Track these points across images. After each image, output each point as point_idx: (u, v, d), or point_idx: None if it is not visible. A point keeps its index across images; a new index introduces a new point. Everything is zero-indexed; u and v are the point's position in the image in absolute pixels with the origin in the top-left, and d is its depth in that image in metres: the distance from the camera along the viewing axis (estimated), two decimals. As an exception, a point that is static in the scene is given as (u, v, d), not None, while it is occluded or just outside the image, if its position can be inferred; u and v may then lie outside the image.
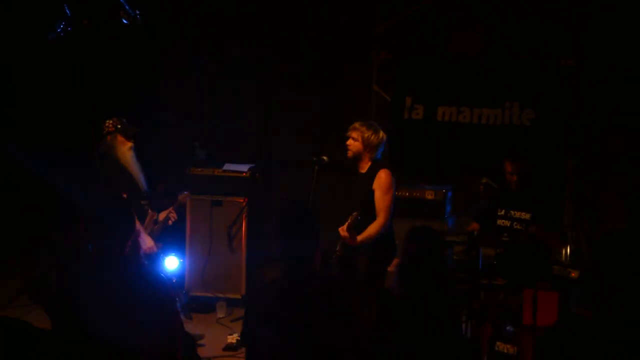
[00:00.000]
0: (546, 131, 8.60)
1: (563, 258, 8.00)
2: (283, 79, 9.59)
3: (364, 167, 6.43)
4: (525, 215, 6.30)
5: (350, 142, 6.38)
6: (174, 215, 7.37)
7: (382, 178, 6.33)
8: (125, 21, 7.75)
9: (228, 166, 8.49)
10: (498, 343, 6.63)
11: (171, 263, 7.73)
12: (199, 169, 8.49)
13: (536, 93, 8.60)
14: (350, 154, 6.40)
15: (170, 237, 7.77)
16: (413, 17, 8.95)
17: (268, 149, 9.59)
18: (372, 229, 6.26)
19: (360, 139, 6.36)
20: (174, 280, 7.69)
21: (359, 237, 6.19)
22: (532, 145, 8.50)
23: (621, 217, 8.50)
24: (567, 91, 8.60)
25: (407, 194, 8.13)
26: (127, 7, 7.69)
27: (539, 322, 5.71)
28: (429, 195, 8.11)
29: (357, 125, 6.39)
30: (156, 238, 7.23)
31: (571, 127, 8.65)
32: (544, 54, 8.59)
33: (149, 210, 7.21)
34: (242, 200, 8.34)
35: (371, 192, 6.32)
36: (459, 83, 8.79)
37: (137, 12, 7.75)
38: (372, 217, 6.28)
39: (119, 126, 7.10)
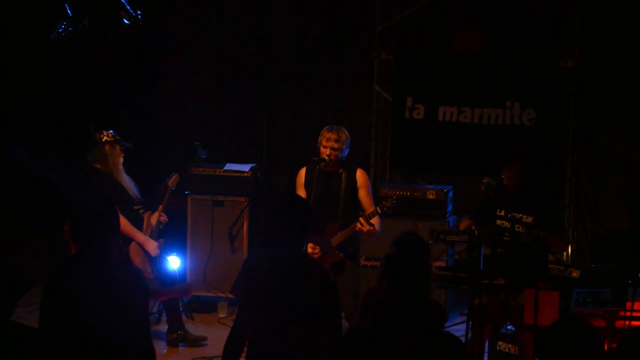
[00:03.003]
0: (547, 131, 8.61)
1: (564, 258, 8.01)
2: (284, 79, 9.59)
3: (336, 167, 6.47)
4: (527, 218, 6.21)
5: (332, 151, 6.39)
6: (164, 218, 7.34)
7: (365, 177, 6.53)
8: (126, 21, 7.76)
9: (229, 166, 8.49)
10: (499, 342, 6.65)
11: (173, 263, 7.73)
12: (200, 169, 8.49)
13: (537, 93, 8.61)
14: (332, 161, 6.40)
15: (171, 237, 7.77)
16: (414, 17, 8.96)
17: (269, 149, 9.60)
18: (379, 221, 6.41)
19: (342, 145, 6.42)
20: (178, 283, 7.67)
21: (377, 228, 6.35)
22: (532, 145, 8.51)
23: (622, 217, 8.53)
24: (567, 92, 8.61)
25: (409, 193, 8.13)
26: (128, 7, 7.69)
27: (540, 322, 5.72)
28: (430, 195, 8.13)
29: (337, 134, 6.41)
30: (155, 238, 7.24)
31: (572, 127, 8.66)
32: (544, 55, 8.60)
33: (144, 214, 7.21)
34: (243, 200, 8.35)
35: (354, 191, 6.44)
36: (460, 83, 8.79)
37: (139, 12, 7.75)
38: (353, 214, 6.40)
39: (118, 137, 7.13)
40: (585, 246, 8.79)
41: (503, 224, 6.22)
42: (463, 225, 6.47)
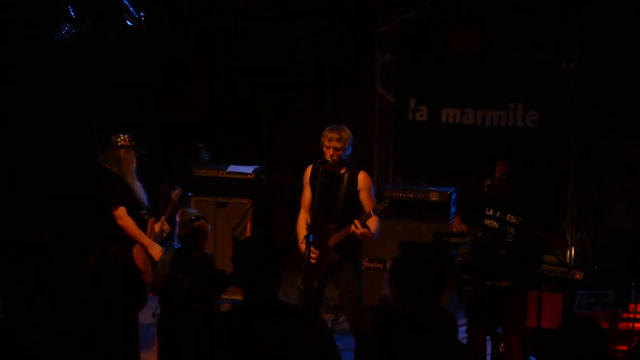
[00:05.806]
0: (550, 133, 8.62)
1: (567, 259, 8.00)
2: (286, 81, 9.60)
3: (338, 168, 6.45)
4: (516, 219, 6.12)
5: (335, 151, 6.38)
6: (167, 227, 7.27)
7: (366, 179, 6.47)
8: (129, 23, 7.76)
9: (232, 168, 8.47)
10: (502, 344, 6.63)
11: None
12: (203, 171, 8.47)
13: (539, 95, 8.62)
14: (335, 161, 6.38)
15: (174, 239, 7.74)
16: (415, 18, 8.96)
17: (272, 151, 9.60)
18: (376, 224, 6.33)
19: (344, 144, 6.40)
20: None
21: (373, 230, 6.27)
22: (535, 147, 8.51)
23: (624, 219, 8.53)
24: (569, 93, 8.61)
25: (412, 195, 8.13)
26: (131, 9, 7.70)
27: (543, 324, 5.71)
28: (434, 197, 8.11)
29: (339, 134, 6.38)
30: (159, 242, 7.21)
31: (574, 129, 8.66)
32: (544, 55, 8.60)
33: (149, 220, 7.19)
34: (246, 202, 8.34)
35: (355, 193, 6.41)
36: (463, 85, 8.80)
37: (142, 14, 7.76)
38: (353, 216, 6.32)
39: (134, 142, 7.10)
40: (589, 247, 8.78)
41: (491, 223, 6.15)
42: (455, 224, 6.41)
